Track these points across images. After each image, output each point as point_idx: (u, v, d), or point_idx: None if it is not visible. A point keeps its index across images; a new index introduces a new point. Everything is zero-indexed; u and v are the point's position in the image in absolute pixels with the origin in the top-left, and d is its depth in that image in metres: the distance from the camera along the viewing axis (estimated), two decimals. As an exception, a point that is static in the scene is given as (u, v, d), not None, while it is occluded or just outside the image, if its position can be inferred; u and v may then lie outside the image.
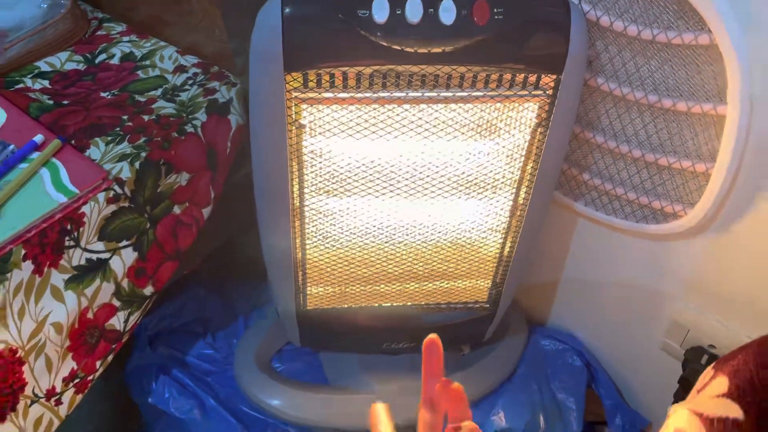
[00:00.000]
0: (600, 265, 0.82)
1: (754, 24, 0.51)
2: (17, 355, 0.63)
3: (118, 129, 0.72)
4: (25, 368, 0.65)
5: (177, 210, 0.74)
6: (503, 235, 0.71)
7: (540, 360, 0.89)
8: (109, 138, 0.71)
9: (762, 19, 0.51)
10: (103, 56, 0.83)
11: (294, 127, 0.59)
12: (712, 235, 0.67)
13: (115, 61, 0.83)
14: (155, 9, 0.86)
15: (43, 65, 0.81)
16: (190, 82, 0.80)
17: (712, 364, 0.51)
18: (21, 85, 0.78)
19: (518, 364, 0.89)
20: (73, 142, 0.70)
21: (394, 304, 0.78)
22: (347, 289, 0.76)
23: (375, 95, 0.57)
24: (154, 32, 0.87)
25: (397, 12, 0.52)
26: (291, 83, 0.55)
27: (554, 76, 0.57)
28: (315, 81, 0.56)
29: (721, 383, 0.48)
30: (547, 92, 0.58)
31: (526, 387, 0.86)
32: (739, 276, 0.68)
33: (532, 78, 0.57)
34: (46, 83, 0.78)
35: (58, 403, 0.69)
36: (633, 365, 0.88)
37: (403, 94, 0.58)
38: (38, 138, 0.69)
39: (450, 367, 0.85)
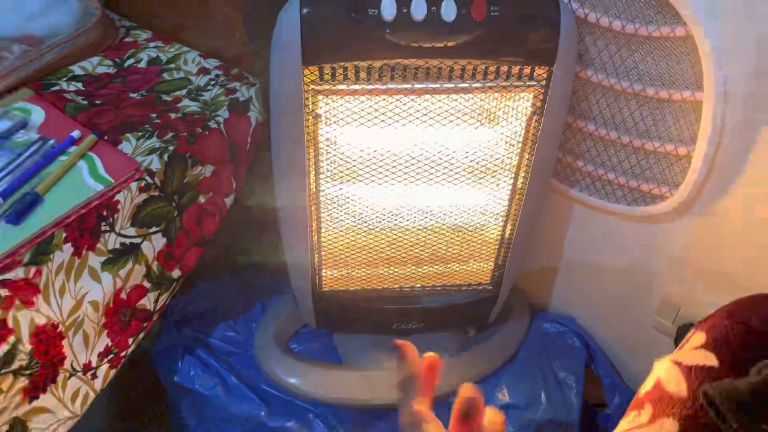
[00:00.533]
0: (596, 249, 0.87)
1: (724, 15, 0.57)
2: (58, 330, 0.68)
3: (147, 126, 0.78)
4: (65, 343, 0.69)
5: (202, 199, 0.79)
6: (504, 219, 0.77)
7: (541, 342, 0.94)
8: (140, 134, 0.77)
9: (731, 11, 0.56)
10: (131, 60, 0.89)
11: (311, 117, 0.64)
12: (696, 215, 0.72)
13: (142, 64, 0.89)
14: (179, 17, 0.92)
15: (76, 69, 0.87)
16: (212, 82, 0.86)
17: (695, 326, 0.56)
18: (57, 88, 0.83)
19: (521, 346, 0.94)
20: (106, 137, 0.76)
21: (404, 286, 0.83)
22: (359, 272, 0.81)
23: (384, 86, 0.63)
24: (178, 38, 0.93)
25: (404, 10, 0.58)
26: (308, 76, 0.61)
27: (546, 68, 0.63)
28: (330, 74, 0.62)
29: (700, 337, 0.53)
30: (541, 83, 0.64)
31: (528, 366, 0.91)
32: (724, 252, 0.73)
33: (527, 70, 0.63)
34: (79, 85, 0.84)
35: (94, 377, 0.74)
36: (629, 345, 0.92)
37: (410, 86, 0.63)
38: (75, 133, 0.74)
39: (457, 348, 0.91)
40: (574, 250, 0.89)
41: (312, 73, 0.61)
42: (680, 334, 0.81)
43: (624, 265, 0.84)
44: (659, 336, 0.86)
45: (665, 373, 0.51)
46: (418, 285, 0.83)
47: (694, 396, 0.48)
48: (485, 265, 0.82)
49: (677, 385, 0.49)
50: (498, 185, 0.73)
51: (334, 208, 0.73)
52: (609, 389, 0.92)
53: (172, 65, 0.89)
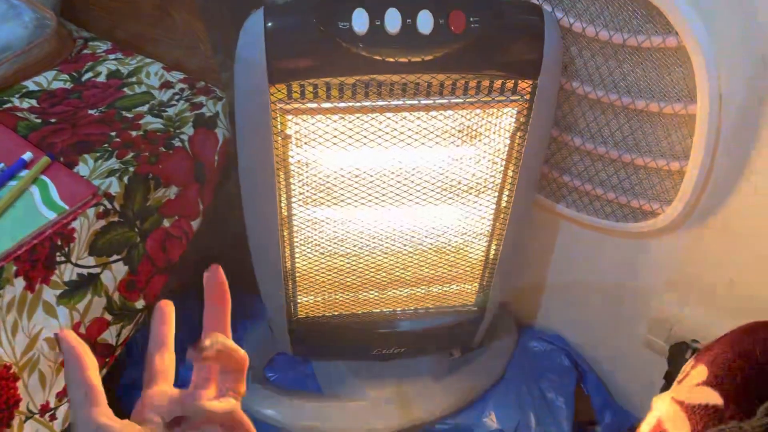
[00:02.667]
0: (583, 266, 0.84)
1: (718, 25, 0.54)
2: (11, 371, 0.64)
3: (106, 145, 0.73)
4: (20, 384, 0.65)
5: (166, 223, 0.75)
6: (488, 239, 0.73)
7: (529, 361, 0.91)
8: (98, 154, 0.72)
9: (725, 20, 0.53)
10: (89, 74, 0.84)
11: (280, 138, 0.60)
12: (688, 232, 0.69)
13: (101, 78, 0.84)
14: (139, 26, 0.87)
15: (30, 85, 0.82)
16: (176, 97, 0.81)
17: (693, 356, 0.53)
18: (9, 105, 0.78)
19: (507, 366, 0.90)
20: (61, 159, 0.71)
21: (384, 310, 0.79)
22: (337, 297, 0.77)
23: (358, 104, 0.59)
24: (139, 49, 0.88)
25: (377, 23, 0.54)
26: (275, 95, 0.57)
27: (531, 81, 0.59)
28: (299, 92, 0.57)
29: (701, 372, 0.49)
30: (525, 97, 0.60)
31: (516, 388, 0.87)
32: (717, 270, 0.70)
33: (510, 83, 0.59)
34: (33, 102, 0.79)
35: (53, 418, 0.70)
36: (620, 363, 0.90)
37: (386, 103, 0.59)
38: (27, 156, 0.69)
39: (441, 371, 0.87)
40: (561, 267, 0.86)
41: (279, 91, 0.57)
42: (673, 352, 0.78)
43: (613, 282, 0.81)
44: (651, 354, 0.83)
45: (666, 414, 0.48)
46: (399, 308, 0.79)
47: (699, 440, 0.44)
48: (469, 287, 0.78)
49: (680, 428, 0.46)
50: (481, 204, 0.69)
51: (308, 231, 0.69)
52: (600, 408, 0.89)
53: (133, 79, 0.84)
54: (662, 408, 0.49)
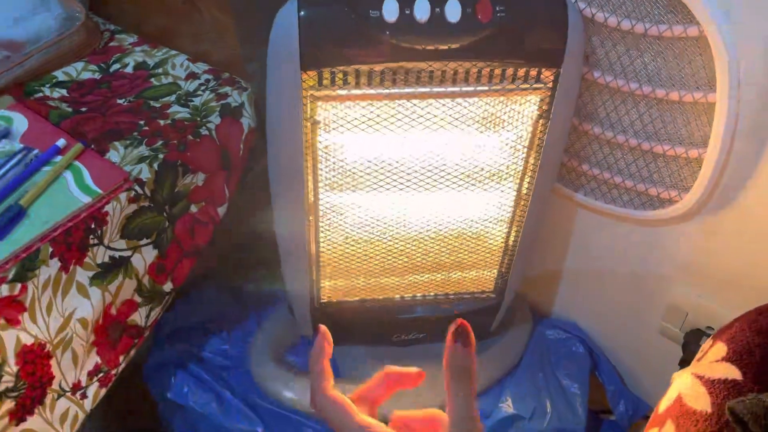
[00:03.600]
0: (600, 254, 0.85)
1: (739, 15, 0.55)
2: (45, 350, 0.65)
3: (135, 133, 0.75)
4: (53, 362, 0.67)
5: (194, 209, 0.77)
6: (508, 225, 0.74)
7: (544, 349, 0.92)
8: (128, 142, 0.74)
9: (746, 10, 0.55)
10: (117, 66, 0.86)
11: (309, 123, 0.62)
12: (705, 219, 0.70)
13: (128, 69, 0.86)
14: (165, 20, 0.90)
15: (60, 75, 0.84)
16: (202, 87, 0.83)
17: (711, 335, 0.54)
18: (40, 94, 0.80)
19: (523, 354, 0.92)
20: (93, 146, 0.73)
21: (404, 295, 0.81)
22: (359, 282, 0.78)
23: (386, 91, 0.60)
24: (165, 42, 0.90)
25: (406, 12, 0.56)
26: (307, 81, 0.59)
27: (554, 70, 0.61)
28: (329, 79, 0.59)
29: (720, 349, 0.51)
30: (548, 85, 0.62)
31: (532, 375, 0.88)
32: (733, 257, 0.71)
33: (533, 72, 0.61)
34: (63, 92, 0.81)
35: (84, 396, 0.71)
36: (634, 351, 0.91)
37: (412, 90, 0.61)
38: (60, 142, 0.71)
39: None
40: (578, 255, 0.87)
41: (311, 78, 0.59)
42: (688, 340, 0.80)
43: (630, 270, 0.83)
44: (665, 342, 0.84)
45: (687, 388, 0.49)
46: (420, 294, 0.81)
47: (719, 412, 0.46)
48: (488, 273, 0.80)
49: (700, 401, 0.47)
50: (502, 191, 0.71)
51: (333, 217, 0.71)
52: (613, 396, 0.90)
53: (160, 70, 0.86)
54: (682, 383, 0.50)
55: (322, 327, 0.46)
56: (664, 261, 0.78)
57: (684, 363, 0.80)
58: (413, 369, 0.45)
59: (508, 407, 0.85)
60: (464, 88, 0.61)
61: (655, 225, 0.75)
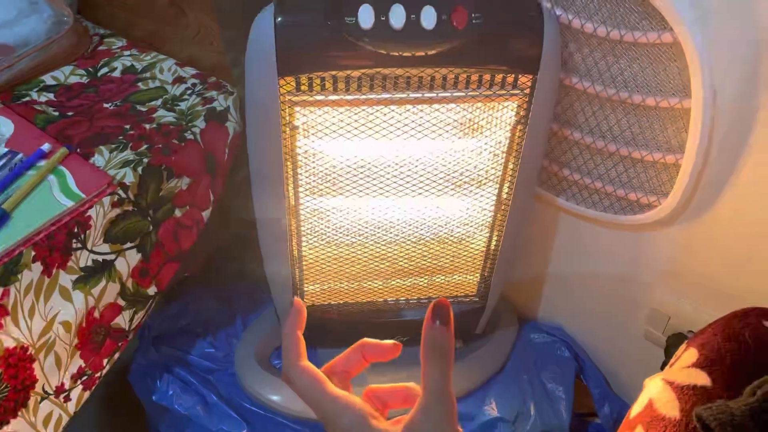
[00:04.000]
0: (583, 259, 0.85)
1: (712, 21, 0.55)
2: (28, 353, 0.66)
3: (120, 137, 0.76)
4: (36, 365, 0.67)
5: (178, 213, 0.77)
6: (489, 230, 0.75)
7: (529, 353, 0.92)
8: (113, 146, 0.75)
9: (719, 17, 0.55)
10: (105, 70, 0.87)
11: (288, 129, 0.62)
12: (685, 224, 0.70)
13: (116, 74, 0.86)
14: (154, 25, 0.90)
15: (48, 79, 0.85)
16: (188, 92, 0.84)
17: (686, 341, 0.55)
18: (27, 98, 0.81)
19: (509, 357, 0.92)
20: (78, 150, 0.73)
21: (388, 299, 0.81)
22: (342, 286, 0.79)
23: (363, 97, 0.61)
24: (154, 47, 0.91)
25: (382, 18, 0.56)
26: (284, 87, 0.59)
27: (530, 76, 0.61)
28: (307, 84, 0.60)
29: (692, 354, 0.51)
30: (525, 91, 0.62)
31: (517, 378, 0.89)
32: (713, 261, 0.71)
33: (510, 78, 0.61)
34: (51, 96, 0.82)
35: (67, 399, 0.72)
36: (619, 354, 0.91)
37: (390, 96, 0.61)
38: (45, 147, 0.72)
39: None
40: (561, 260, 0.88)
41: (288, 83, 0.59)
42: (670, 344, 0.80)
43: (612, 275, 0.83)
44: (650, 345, 0.84)
45: (657, 394, 0.49)
46: (403, 298, 0.81)
47: (687, 418, 0.46)
48: (471, 277, 0.80)
49: (669, 407, 0.48)
50: (482, 196, 0.71)
51: (314, 221, 0.71)
52: (598, 398, 0.91)
53: (147, 74, 0.86)
54: (653, 389, 0.50)
55: (297, 299, 0.45)
56: (646, 265, 0.78)
57: (665, 366, 0.80)
58: (389, 341, 0.46)
59: (492, 410, 0.85)
60: (441, 94, 0.61)
61: (636, 230, 0.75)
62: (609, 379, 0.94)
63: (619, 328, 0.88)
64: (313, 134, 0.64)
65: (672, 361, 0.54)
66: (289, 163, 0.65)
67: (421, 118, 0.63)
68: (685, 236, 0.71)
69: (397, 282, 0.80)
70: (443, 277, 0.80)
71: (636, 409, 0.51)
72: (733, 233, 0.68)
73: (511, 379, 0.89)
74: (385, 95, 0.61)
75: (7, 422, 0.66)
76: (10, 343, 0.63)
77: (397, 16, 0.56)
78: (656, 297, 0.79)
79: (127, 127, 0.77)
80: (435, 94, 0.61)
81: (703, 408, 0.44)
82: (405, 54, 0.58)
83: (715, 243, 0.70)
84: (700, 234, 0.70)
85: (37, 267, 0.65)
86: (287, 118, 0.62)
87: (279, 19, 0.56)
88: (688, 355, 0.52)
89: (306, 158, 0.65)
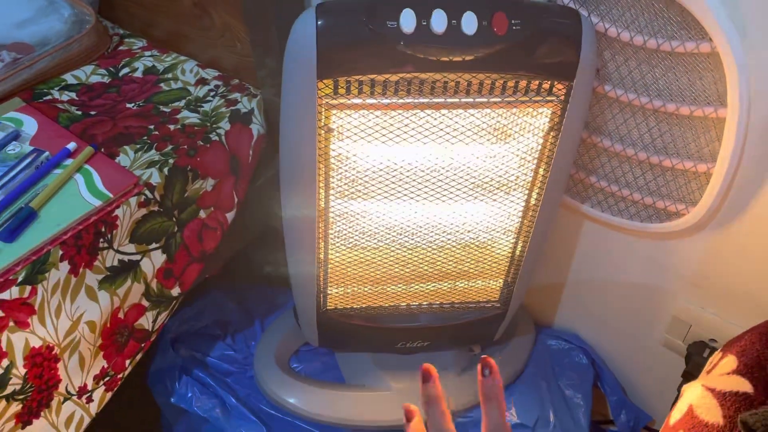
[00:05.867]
0: (604, 266, 0.86)
1: (750, 33, 0.56)
2: (53, 352, 0.65)
3: (145, 138, 0.76)
4: (60, 365, 0.67)
5: (203, 214, 0.77)
6: (515, 236, 0.75)
7: (547, 359, 0.92)
8: (138, 146, 0.74)
9: (757, 28, 0.56)
10: (126, 70, 0.87)
11: (323, 131, 0.62)
12: (712, 233, 0.71)
13: (138, 74, 0.86)
14: (176, 25, 0.90)
15: (69, 78, 0.84)
16: (212, 93, 0.84)
17: (721, 347, 0.55)
18: (49, 97, 0.81)
19: (527, 364, 0.92)
20: (102, 149, 0.73)
21: (410, 303, 0.81)
22: (365, 289, 0.79)
23: (400, 101, 0.61)
24: (174, 47, 0.90)
25: (423, 23, 0.56)
26: (323, 90, 0.59)
27: (566, 83, 0.61)
28: (345, 87, 0.59)
29: (730, 362, 0.51)
30: (560, 98, 0.63)
31: (535, 385, 0.89)
32: (738, 271, 0.72)
33: (546, 85, 0.62)
34: (73, 95, 0.81)
35: (89, 400, 0.71)
36: (637, 362, 0.91)
37: (426, 100, 0.61)
38: (71, 145, 0.71)
39: (462, 366, 0.89)
40: (582, 266, 0.88)
41: (327, 86, 0.59)
42: (691, 352, 0.80)
43: (634, 282, 0.83)
44: (668, 353, 0.85)
45: (698, 400, 0.50)
46: (425, 303, 0.81)
47: (731, 424, 0.46)
48: (494, 283, 0.80)
49: (712, 413, 0.48)
50: (511, 201, 0.71)
51: (342, 224, 0.71)
52: (615, 406, 0.91)
53: (169, 75, 0.86)
54: (693, 395, 0.51)
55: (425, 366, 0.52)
56: (669, 273, 0.79)
57: (687, 374, 0.81)
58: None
59: (511, 416, 0.86)
60: (477, 99, 0.62)
61: (662, 238, 0.76)
62: (626, 387, 0.94)
63: (637, 336, 0.88)
64: (347, 137, 0.64)
65: (708, 368, 0.55)
66: (322, 165, 0.65)
67: (456, 122, 0.63)
68: (711, 245, 0.72)
69: (420, 286, 0.80)
70: (466, 283, 0.80)
71: (675, 416, 0.51)
72: (761, 242, 0.68)
73: (530, 386, 0.89)
74: (422, 100, 0.61)
75: (30, 423, 0.66)
76: (36, 342, 0.63)
77: (439, 21, 0.56)
78: (678, 305, 0.80)
79: (151, 127, 0.77)
80: (471, 99, 0.62)
81: (748, 414, 0.45)
82: (444, 59, 0.58)
83: (742, 252, 0.70)
84: (727, 243, 0.71)
85: (65, 266, 0.64)
86: (323, 121, 0.62)
87: (320, 22, 0.56)
88: (726, 362, 0.52)
89: (338, 161, 0.65)
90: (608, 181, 0.74)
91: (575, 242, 0.85)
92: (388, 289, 0.79)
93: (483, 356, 0.49)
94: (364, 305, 0.80)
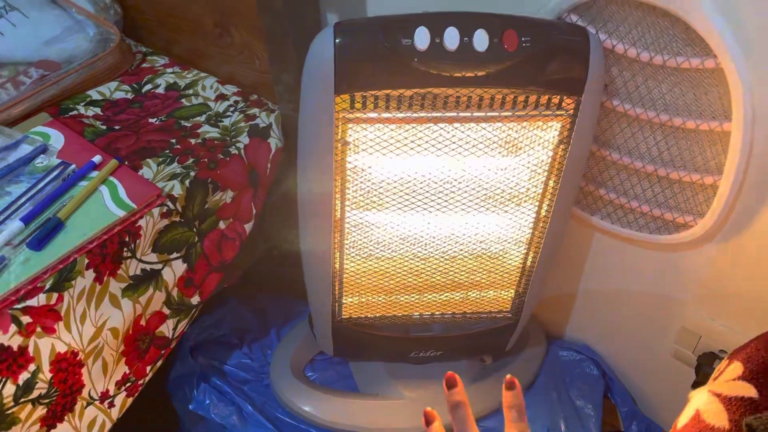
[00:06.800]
0: (614, 277, 0.87)
1: (754, 49, 0.58)
2: (78, 358, 0.67)
3: (167, 151, 0.78)
4: (84, 371, 0.69)
5: (222, 225, 0.79)
6: (526, 247, 0.77)
7: (558, 370, 0.94)
8: (160, 159, 0.77)
9: (761, 45, 0.57)
10: (148, 86, 0.90)
11: (340, 144, 0.65)
12: (719, 244, 0.72)
13: (160, 90, 0.89)
14: (197, 43, 0.93)
15: (94, 94, 0.87)
16: (231, 109, 0.86)
17: (728, 355, 0.56)
18: (75, 112, 0.84)
19: (538, 374, 0.93)
20: (126, 162, 0.76)
21: (423, 313, 0.83)
22: (379, 299, 0.80)
23: (414, 115, 0.63)
24: (195, 64, 0.94)
25: (437, 40, 0.59)
26: (340, 104, 0.61)
27: (575, 98, 0.63)
28: (361, 102, 0.62)
29: (736, 368, 0.53)
30: (569, 112, 0.65)
31: (546, 395, 0.90)
32: (747, 282, 0.73)
33: (555, 99, 0.64)
34: (97, 110, 0.84)
35: (111, 405, 0.73)
36: (647, 373, 0.92)
37: (440, 114, 0.63)
38: (97, 158, 0.74)
39: (474, 376, 0.90)
40: (592, 278, 0.89)
41: (343, 101, 0.61)
42: (701, 362, 0.81)
43: (644, 293, 0.85)
44: (678, 364, 0.85)
45: (704, 405, 0.51)
46: (438, 312, 0.83)
47: (736, 428, 0.48)
48: (506, 293, 0.82)
49: (718, 417, 0.49)
50: (522, 213, 0.73)
51: (358, 234, 0.73)
52: (626, 417, 0.92)
53: (190, 91, 0.89)
54: (700, 400, 0.52)
55: (450, 374, 0.58)
56: (678, 284, 0.80)
57: (697, 385, 0.82)
58: None
59: (522, 426, 0.86)
60: (489, 114, 0.64)
61: (670, 249, 0.77)
62: (637, 398, 0.95)
63: (647, 347, 0.89)
64: (363, 150, 0.66)
65: (715, 375, 0.56)
66: (338, 177, 0.67)
67: (468, 136, 0.65)
68: (720, 256, 0.73)
69: (433, 296, 0.81)
70: (478, 293, 0.81)
71: (683, 420, 0.52)
72: (766, 253, 0.70)
73: (541, 396, 0.90)
74: (436, 114, 0.63)
75: (54, 426, 0.68)
76: (61, 348, 0.65)
77: (452, 39, 0.59)
78: (688, 316, 0.81)
79: (173, 141, 0.80)
80: (483, 114, 0.64)
81: (753, 417, 0.46)
82: (456, 75, 0.60)
83: (750, 263, 0.71)
84: (735, 254, 0.72)
85: (90, 274, 0.67)
86: (340, 134, 0.64)
87: (338, 40, 0.59)
88: (733, 368, 0.53)
89: (354, 173, 0.68)
90: (617, 194, 0.75)
91: (586, 254, 0.87)
92: (402, 298, 0.81)
93: (508, 376, 0.56)
94: (377, 314, 0.82)
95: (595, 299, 0.92)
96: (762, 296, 0.72)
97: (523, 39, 0.60)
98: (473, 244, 0.76)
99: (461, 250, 0.76)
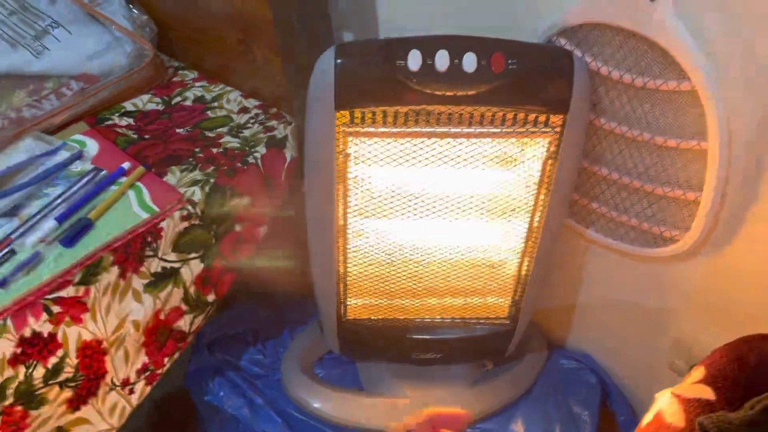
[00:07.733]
0: (611, 288, 0.90)
1: (728, 72, 0.61)
2: (102, 346, 0.73)
3: (191, 159, 0.84)
4: (107, 358, 0.74)
5: (238, 228, 0.84)
6: (521, 256, 0.80)
7: (557, 377, 0.96)
8: (183, 166, 0.83)
9: (733, 68, 0.61)
10: (178, 99, 0.96)
11: (341, 156, 0.70)
12: (707, 257, 0.75)
13: (188, 102, 0.95)
14: (223, 59, 0.99)
15: (128, 105, 0.94)
16: (252, 121, 0.92)
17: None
18: (110, 122, 0.90)
19: (537, 380, 0.96)
20: (153, 169, 0.82)
21: (424, 317, 0.87)
22: (382, 302, 0.85)
23: (410, 130, 0.68)
24: (222, 78, 1.00)
25: (428, 62, 0.64)
26: (340, 119, 0.67)
27: (561, 116, 0.67)
28: (360, 118, 0.67)
29: (699, 372, 0.56)
30: (555, 129, 0.69)
31: (544, 401, 0.93)
32: (734, 293, 0.75)
33: (542, 117, 0.68)
34: (131, 120, 0.91)
35: (131, 392, 0.79)
36: (644, 382, 0.94)
37: (433, 130, 0.68)
38: (125, 165, 0.80)
39: (475, 379, 0.94)
40: (590, 289, 0.92)
41: (344, 116, 0.67)
42: (693, 373, 0.83)
43: (638, 305, 0.87)
44: (671, 373, 0.88)
45: (666, 406, 0.54)
46: (438, 317, 0.87)
47: (690, 427, 0.51)
48: (503, 300, 0.85)
49: (676, 417, 0.53)
50: (516, 223, 0.77)
51: (360, 240, 0.78)
52: (624, 426, 0.94)
53: (216, 104, 0.95)
54: (663, 401, 0.56)
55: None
56: (670, 296, 0.82)
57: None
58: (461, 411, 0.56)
59: (519, 429, 0.90)
60: (479, 130, 0.68)
61: (662, 262, 0.80)
62: (635, 407, 0.97)
63: (644, 357, 0.91)
64: (362, 162, 0.71)
65: (684, 378, 0.59)
66: (340, 186, 0.72)
67: (460, 150, 0.70)
68: (708, 268, 0.76)
69: (433, 301, 0.86)
70: (477, 299, 0.85)
71: (646, 419, 0.56)
72: (753, 265, 0.72)
73: (539, 402, 0.93)
74: (429, 129, 0.68)
75: (79, 408, 0.73)
76: (87, 336, 0.71)
77: (442, 61, 0.64)
78: (680, 327, 0.83)
79: (197, 150, 0.85)
80: (473, 130, 0.68)
81: (705, 417, 0.50)
82: (448, 93, 0.65)
83: (735, 275, 0.74)
84: (721, 266, 0.74)
85: (115, 270, 0.72)
86: (341, 147, 0.69)
87: (339, 60, 0.64)
88: (696, 372, 0.56)
89: (355, 183, 0.73)
90: (609, 208, 0.79)
91: (583, 265, 0.90)
92: (404, 302, 0.86)
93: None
94: (381, 317, 0.87)
95: (594, 310, 0.95)
96: (748, 307, 0.74)
97: (509, 61, 0.64)
98: (470, 251, 0.80)
99: (460, 257, 0.81)
